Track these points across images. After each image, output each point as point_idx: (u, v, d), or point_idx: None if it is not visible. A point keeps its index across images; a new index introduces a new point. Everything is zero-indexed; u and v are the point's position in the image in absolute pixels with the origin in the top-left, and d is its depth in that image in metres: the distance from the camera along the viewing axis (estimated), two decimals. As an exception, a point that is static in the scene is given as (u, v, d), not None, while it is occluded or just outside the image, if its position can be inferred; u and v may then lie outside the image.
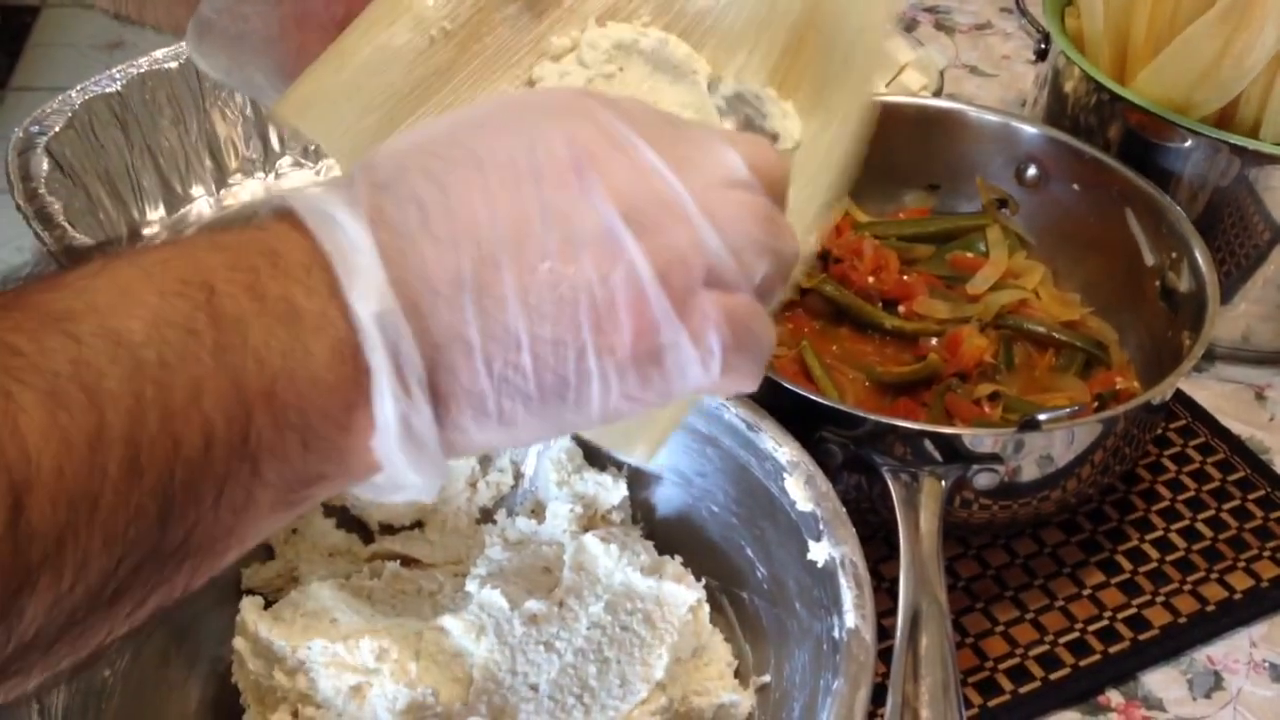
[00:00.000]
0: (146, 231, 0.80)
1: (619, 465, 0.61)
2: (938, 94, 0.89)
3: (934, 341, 0.73)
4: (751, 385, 0.36)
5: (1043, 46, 0.86)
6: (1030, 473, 0.61)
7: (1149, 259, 0.73)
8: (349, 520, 0.60)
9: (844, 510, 0.53)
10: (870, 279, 0.76)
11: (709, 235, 0.33)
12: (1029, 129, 0.78)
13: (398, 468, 0.32)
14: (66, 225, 0.68)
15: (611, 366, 0.32)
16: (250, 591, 0.57)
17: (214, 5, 0.49)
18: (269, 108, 0.48)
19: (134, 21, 0.56)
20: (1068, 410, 0.60)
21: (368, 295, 0.30)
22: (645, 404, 0.34)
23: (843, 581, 0.51)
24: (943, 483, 0.58)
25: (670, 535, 0.60)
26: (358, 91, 0.47)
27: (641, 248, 0.32)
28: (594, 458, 0.62)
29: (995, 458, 0.59)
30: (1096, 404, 0.69)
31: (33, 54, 2.48)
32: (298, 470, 0.31)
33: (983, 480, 0.59)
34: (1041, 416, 0.58)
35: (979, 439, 0.59)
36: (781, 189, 0.37)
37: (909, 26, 1.11)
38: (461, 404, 0.32)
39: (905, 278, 0.77)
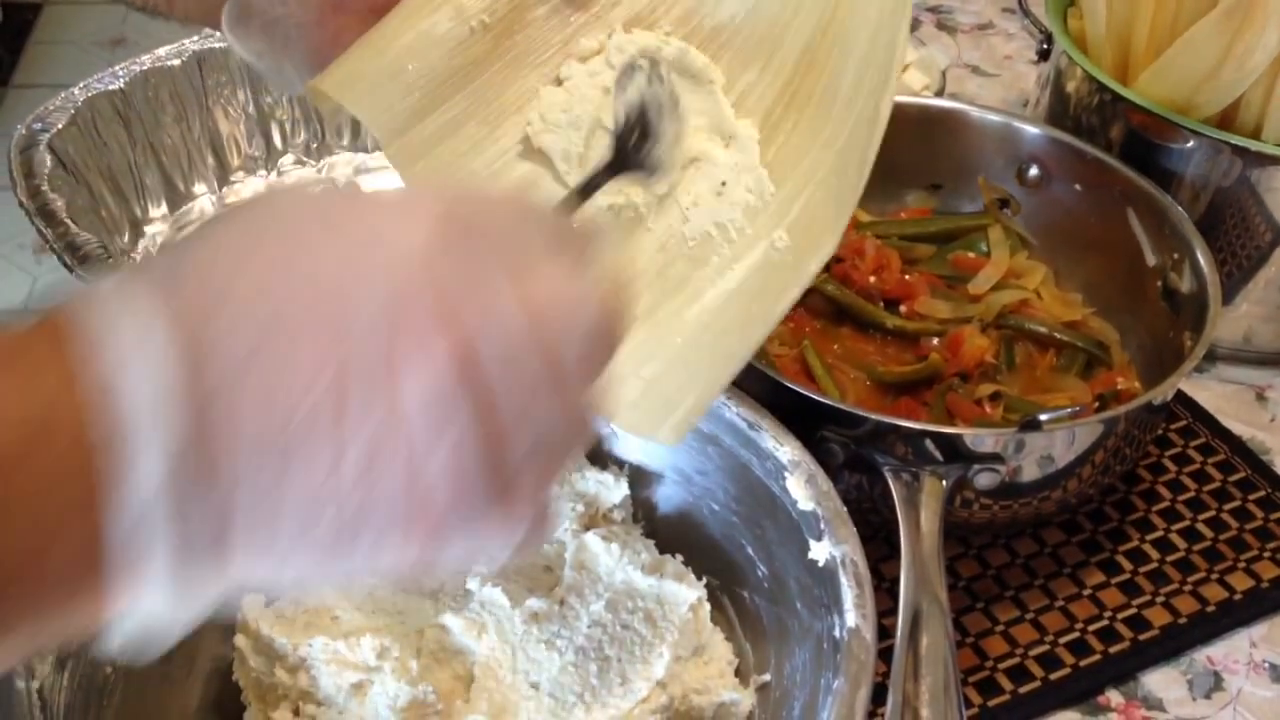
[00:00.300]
0: (149, 229, 0.80)
1: (620, 464, 0.61)
2: (940, 94, 0.89)
3: (935, 341, 0.73)
4: (542, 541, 0.34)
5: (1045, 47, 0.86)
6: (1031, 473, 0.61)
7: (1151, 259, 0.73)
8: (350, 518, 0.60)
9: (845, 510, 0.53)
10: (872, 278, 0.76)
11: (542, 415, 0.31)
12: (1031, 129, 0.78)
13: (154, 619, 0.29)
14: (69, 222, 0.68)
15: (417, 536, 0.30)
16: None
17: None
18: (305, 89, 0.50)
19: (161, 14, 0.56)
20: (1069, 411, 0.60)
21: (157, 447, 0.26)
22: (441, 566, 0.33)
23: (843, 581, 0.51)
24: (944, 482, 0.58)
25: (671, 534, 0.60)
26: (400, 73, 0.49)
27: (467, 426, 0.29)
28: (595, 457, 0.62)
29: (996, 457, 0.59)
30: (1097, 404, 0.69)
31: (34, 51, 2.48)
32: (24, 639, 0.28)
33: (984, 480, 0.59)
34: (1042, 417, 0.58)
35: (980, 439, 0.59)
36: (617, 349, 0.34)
37: (911, 26, 1.11)
38: (239, 560, 0.29)
39: (907, 277, 0.77)
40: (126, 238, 0.78)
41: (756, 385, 0.59)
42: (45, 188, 0.70)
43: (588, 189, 0.45)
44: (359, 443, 0.28)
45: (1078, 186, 0.77)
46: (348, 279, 0.29)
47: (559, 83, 0.53)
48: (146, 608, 0.28)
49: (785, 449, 0.55)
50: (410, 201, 0.32)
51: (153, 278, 0.29)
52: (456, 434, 0.29)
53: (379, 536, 0.30)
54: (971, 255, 0.78)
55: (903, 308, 0.75)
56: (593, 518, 0.60)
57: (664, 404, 0.49)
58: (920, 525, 0.55)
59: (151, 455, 0.26)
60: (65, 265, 0.66)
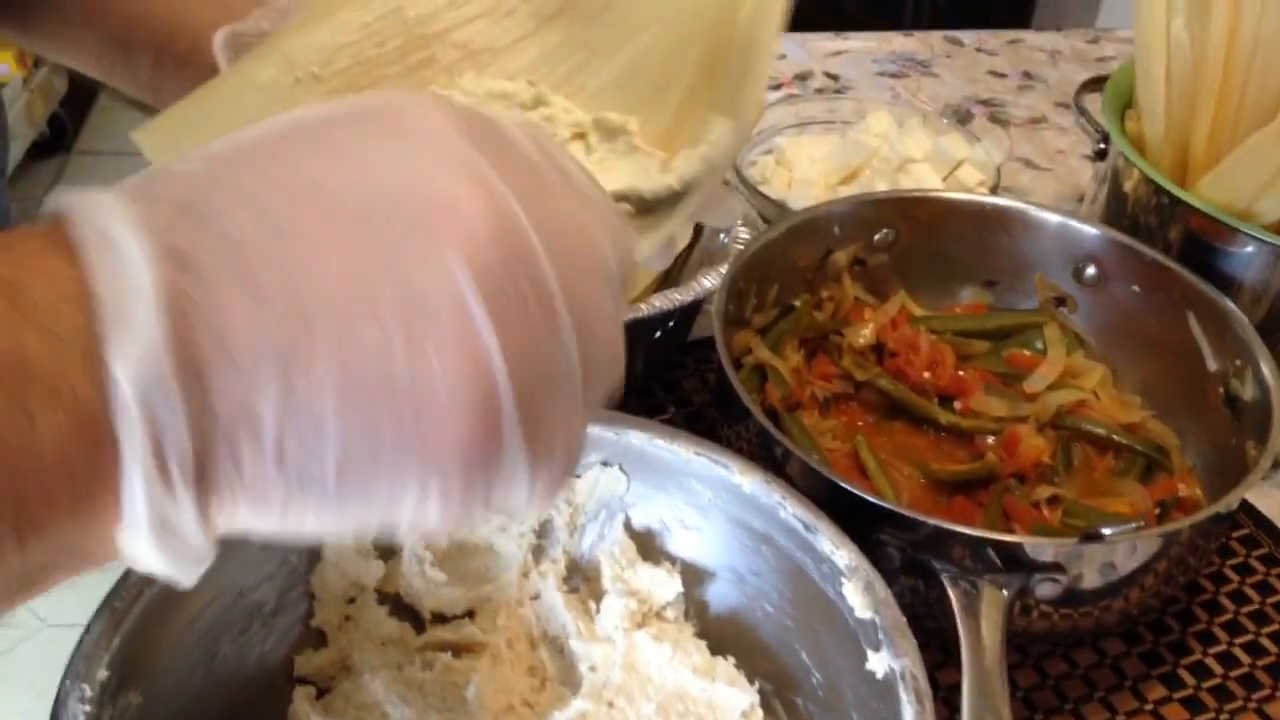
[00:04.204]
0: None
1: (673, 561, 0.61)
2: (994, 189, 0.90)
3: (990, 440, 0.72)
4: (560, 489, 0.30)
5: (1102, 146, 0.86)
6: (1092, 581, 0.60)
7: (1212, 364, 0.72)
8: (401, 609, 0.60)
9: (904, 620, 0.52)
10: (926, 374, 0.76)
11: (572, 342, 0.27)
12: (1088, 229, 0.78)
13: (147, 559, 0.26)
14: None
15: (434, 473, 0.26)
16: (303, 680, 0.56)
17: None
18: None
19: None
20: (1134, 526, 0.58)
21: (133, 354, 0.24)
22: (456, 518, 0.28)
23: (903, 695, 0.49)
24: (1004, 592, 0.56)
25: (723, 634, 0.60)
26: (210, 120, 0.46)
27: (498, 342, 0.26)
28: (648, 553, 0.61)
29: (1058, 567, 0.57)
30: (1158, 511, 0.68)
31: (97, 118, 2.56)
32: (13, 568, 0.25)
33: (1045, 590, 0.58)
34: (1106, 531, 0.57)
35: (1041, 548, 0.58)
36: (632, 280, 0.32)
37: (963, 119, 1.12)
38: (237, 492, 0.26)
39: (961, 373, 0.76)
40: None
41: (812, 484, 0.59)
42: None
43: None
44: (366, 355, 0.25)
45: (1136, 287, 0.76)
46: (368, 180, 0.26)
47: None
48: (138, 551, 0.26)
49: (842, 553, 0.55)
50: (420, 99, 0.29)
51: (148, 183, 0.26)
52: (477, 359, 0.26)
53: (393, 466, 0.26)
54: (1027, 353, 0.78)
55: (957, 404, 0.74)
56: (645, 615, 0.59)
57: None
58: (982, 637, 0.54)
59: (137, 336, 0.24)
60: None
